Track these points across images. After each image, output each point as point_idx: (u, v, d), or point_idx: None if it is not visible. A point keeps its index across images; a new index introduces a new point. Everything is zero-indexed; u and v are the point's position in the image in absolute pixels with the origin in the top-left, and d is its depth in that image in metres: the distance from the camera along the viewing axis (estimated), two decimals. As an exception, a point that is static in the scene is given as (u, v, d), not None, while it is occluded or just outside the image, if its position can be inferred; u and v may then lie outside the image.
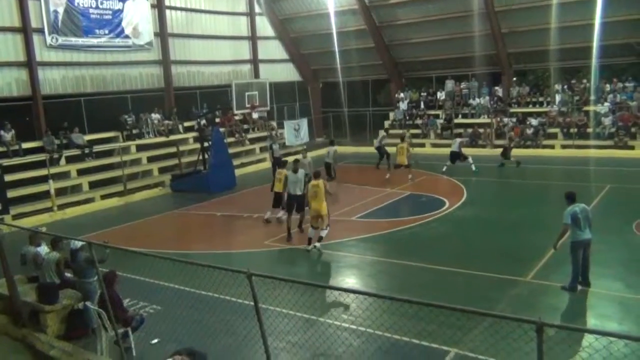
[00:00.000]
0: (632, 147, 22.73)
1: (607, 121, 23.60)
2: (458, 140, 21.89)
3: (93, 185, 20.24)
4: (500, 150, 22.68)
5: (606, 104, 24.24)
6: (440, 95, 29.30)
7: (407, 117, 29.22)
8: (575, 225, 9.18)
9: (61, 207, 18.34)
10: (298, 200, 13.66)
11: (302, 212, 13.82)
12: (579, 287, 9.35)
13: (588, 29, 23.46)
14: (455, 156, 21.06)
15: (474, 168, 20.63)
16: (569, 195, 9.50)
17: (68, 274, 9.09)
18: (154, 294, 9.91)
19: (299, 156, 16.54)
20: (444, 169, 20.77)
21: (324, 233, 12.38)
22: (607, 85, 25.02)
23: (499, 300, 9.26)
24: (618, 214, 14.02)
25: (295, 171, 13.78)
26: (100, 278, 7.58)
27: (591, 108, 24.73)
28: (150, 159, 22.68)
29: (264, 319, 5.81)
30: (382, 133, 24.50)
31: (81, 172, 20.40)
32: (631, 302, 9.03)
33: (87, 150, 20.80)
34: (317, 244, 12.28)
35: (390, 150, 21.51)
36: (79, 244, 8.62)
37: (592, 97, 24.95)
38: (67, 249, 8.95)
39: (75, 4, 21.55)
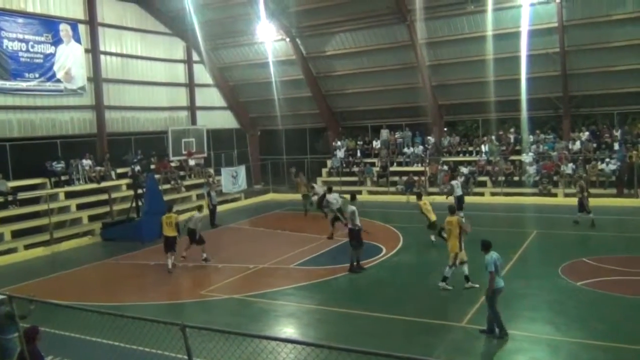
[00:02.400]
0: (555, 195, 24.04)
1: (531, 170, 24.94)
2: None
3: (16, 234, 19.13)
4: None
5: (530, 153, 25.68)
6: (376, 144, 30.09)
7: (345, 165, 29.74)
8: (496, 273, 9.48)
9: (-21, 258, 17.19)
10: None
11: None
12: (515, 333, 9.59)
13: (513, 84, 24.99)
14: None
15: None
16: (485, 244, 9.86)
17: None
18: (79, 350, 9.34)
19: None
20: None
21: (447, 272, 12.20)
22: (531, 137, 26.57)
23: (436, 346, 9.36)
24: (545, 259, 14.66)
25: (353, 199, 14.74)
26: (21, 334, 7.08)
27: (516, 157, 26.11)
28: (80, 207, 21.76)
29: (198, 373, 5.58)
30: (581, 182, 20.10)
31: (3, 221, 19.25)
32: (560, 344, 9.35)
33: (10, 198, 19.74)
34: (441, 284, 12.18)
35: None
36: (-3, 297, 8.05)
37: (524, 146, 26.32)
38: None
39: (4, 47, 20.87)
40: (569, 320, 10.37)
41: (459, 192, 19.72)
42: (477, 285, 11.81)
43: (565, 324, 10.15)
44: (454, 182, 20.25)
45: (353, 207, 14.36)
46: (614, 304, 11.05)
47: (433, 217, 16.35)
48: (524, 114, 25.95)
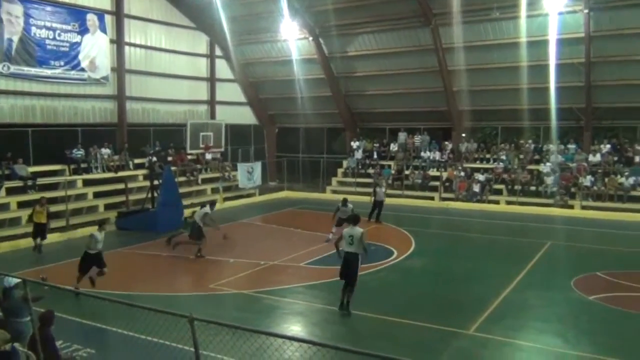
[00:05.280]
0: (571, 207, 23.75)
1: (549, 180, 24.66)
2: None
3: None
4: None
5: (548, 164, 25.40)
6: (393, 146, 30.01)
7: (360, 166, 29.69)
8: None
9: (-4, 240, 17.48)
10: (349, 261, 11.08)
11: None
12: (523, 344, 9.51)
13: (536, 93, 24.75)
14: None
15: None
16: None
17: (-3, 313, 8.59)
18: (88, 337, 9.46)
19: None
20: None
21: None
22: (551, 146, 26.27)
23: (443, 352, 9.33)
24: (558, 271, 14.51)
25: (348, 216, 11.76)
26: (34, 318, 7.20)
27: (534, 167, 25.85)
28: (97, 195, 22.04)
29: (203, 366, 5.63)
30: None
31: (21, 205, 19.54)
32: (568, 357, 9.26)
33: (30, 183, 20.05)
34: None
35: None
36: (13, 281, 8.19)
37: (543, 156, 26.14)
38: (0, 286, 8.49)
39: (32, 34, 21.23)
40: (579, 334, 10.25)
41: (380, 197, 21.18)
42: None
43: (575, 338, 10.04)
44: (378, 189, 21.61)
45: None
46: (626, 321, 10.91)
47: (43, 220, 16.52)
48: (545, 123, 25.74)
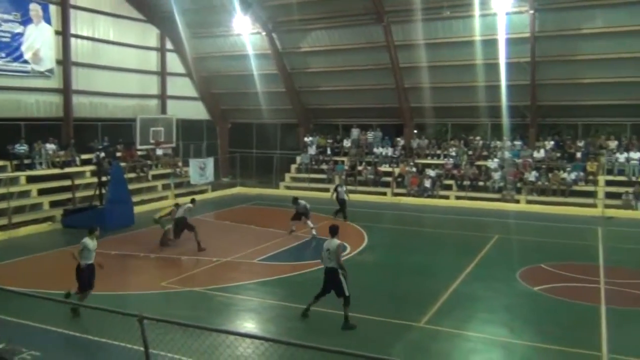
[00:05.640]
0: (517, 201, 24.56)
1: (496, 176, 25.41)
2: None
3: (-27, 217, 18.57)
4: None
5: (496, 159, 26.17)
6: (346, 142, 30.22)
7: (314, 162, 29.76)
8: None
9: None
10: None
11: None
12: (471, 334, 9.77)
13: (484, 90, 25.41)
14: None
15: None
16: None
17: None
18: (33, 339, 9.10)
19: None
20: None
21: None
22: (498, 143, 27.08)
23: (394, 345, 9.48)
24: (504, 263, 14.96)
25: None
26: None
27: (482, 163, 26.57)
28: (41, 192, 21.23)
29: (153, 365, 5.53)
30: None
31: (-40, 203, 18.70)
32: (514, 346, 9.58)
33: (-31, 179, 19.16)
34: None
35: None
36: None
37: (491, 153, 26.94)
38: None
39: (-31, 24, 20.26)
40: (524, 323, 10.63)
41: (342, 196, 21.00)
42: None
43: (520, 327, 10.40)
44: (340, 189, 21.29)
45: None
46: (569, 310, 11.37)
47: None
48: (494, 120, 26.49)
